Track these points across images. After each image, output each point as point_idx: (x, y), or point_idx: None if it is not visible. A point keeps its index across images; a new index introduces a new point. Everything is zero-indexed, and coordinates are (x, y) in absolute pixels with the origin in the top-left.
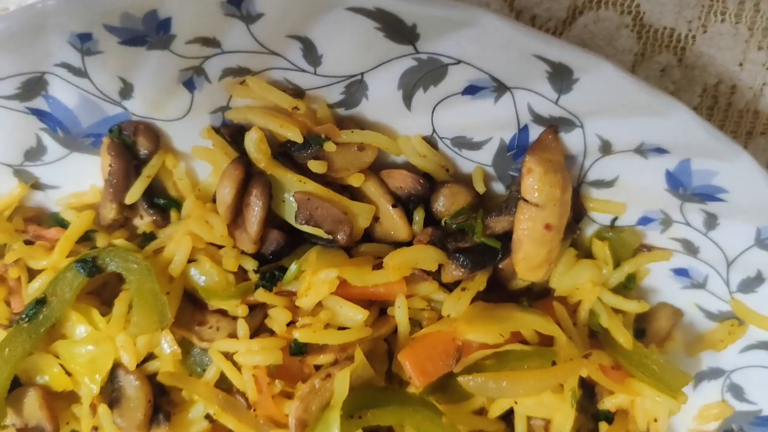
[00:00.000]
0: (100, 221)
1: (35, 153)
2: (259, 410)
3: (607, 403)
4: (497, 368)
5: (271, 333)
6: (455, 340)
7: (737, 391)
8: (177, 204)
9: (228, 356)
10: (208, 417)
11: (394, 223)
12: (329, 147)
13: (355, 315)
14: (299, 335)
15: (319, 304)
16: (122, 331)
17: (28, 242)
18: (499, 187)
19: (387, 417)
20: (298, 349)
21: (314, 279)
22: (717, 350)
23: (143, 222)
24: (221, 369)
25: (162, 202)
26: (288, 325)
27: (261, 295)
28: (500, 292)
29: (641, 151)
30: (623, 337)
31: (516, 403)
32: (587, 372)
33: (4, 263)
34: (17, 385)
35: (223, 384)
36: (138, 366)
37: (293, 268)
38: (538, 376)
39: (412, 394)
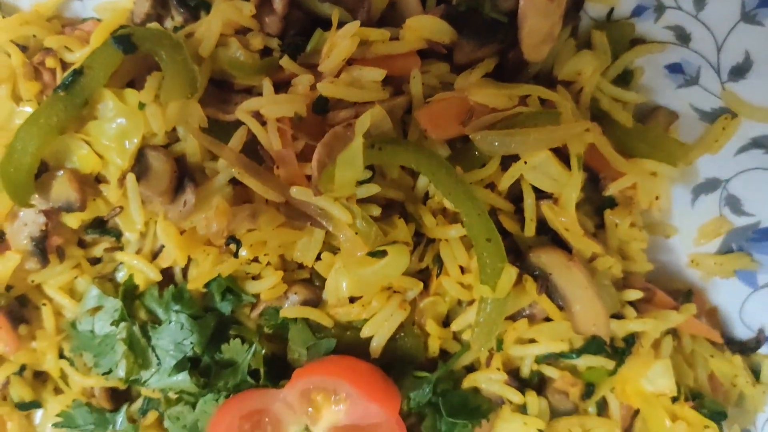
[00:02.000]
0: (134, 19)
1: None
2: (281, 168)
3: (611, 189)
4: (507, 128)
5: None
6: (467, 103)
7: (734, 204)
8: (207, 4)
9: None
10: (231, 181)
11: (407, 3)
12: None
13: (374, 75)
14: (322, 88)
15: (341, 71)
16: (153, 102)
17: None
18: None
19: (404, 155)
20: (321, 106)
21: (337, 37)
22: (713, 153)
23: (174, 22)
24: (246, 130)
25: (192, 3)
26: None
27: (285, 63)
28: None
29: None
30: (623, 116)
31: (523, 177)
32: (592, 138)
33: (41, 53)
34: (45, 170)
35: None
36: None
37: (316, 34)
38: (545, 131)
39: (428, 147)
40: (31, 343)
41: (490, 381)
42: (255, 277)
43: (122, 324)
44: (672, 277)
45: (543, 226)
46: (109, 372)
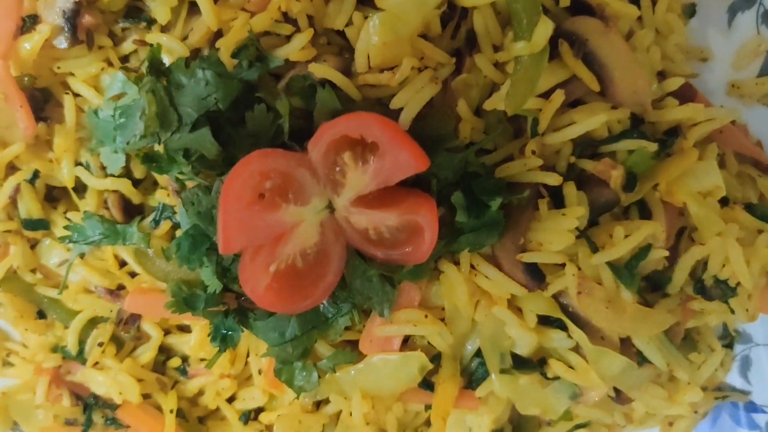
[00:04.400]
0: None
1: None
2: None
3: None
4: None
5: None
6: None
7: None
8: None
9: None
10: None
11: None
12: None
13: None
14: None
15: None
16: None
17: None
18: None
19: None
20: None
21: None
22: None
23: None
24: None
25: None
26: None
27: None
28: None
29: None
30: None
31: None
32: None
33: None
34: None
35: None
36: None
37: None
38: None
39: None
40: (47, 153)
41: (525, 168)
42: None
43: (145, 79)
44: None
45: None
46: (127, 145)
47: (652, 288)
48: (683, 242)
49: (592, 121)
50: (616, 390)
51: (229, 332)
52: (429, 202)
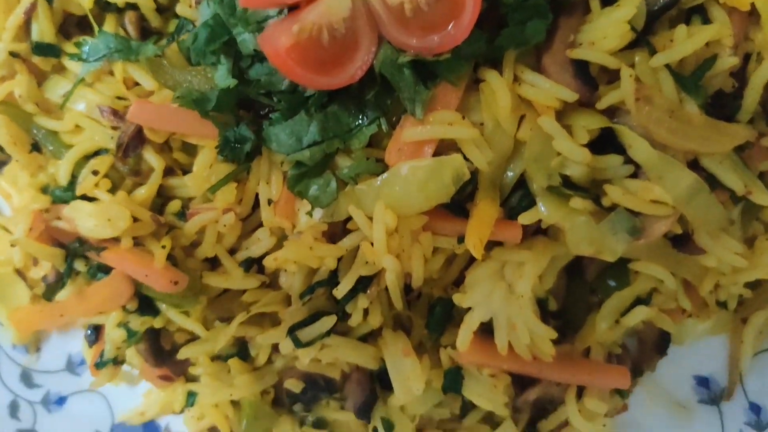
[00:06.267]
0: None
1: None
2: None
3: None
4: None
5: None
6: None
7: None
8: None
9: None
10: None
11: None
12: None
13: None
14: None
15: None
16: None
17: None
18: None
19: None
20: None
21: None
22: None
23: None
24: None
25: None
26: None
27: None
28: None
29: None
30: None
31: None
32: None
33: None
34: None
35: None
36: None
37: None
38: None
39: None
40: None
41: None
42: None
43: None
44: None
45: None
46: None
47: (718, 117)
48: (751, 64)
49: None
50: (684, 238)
51: (239, 144)
52: None
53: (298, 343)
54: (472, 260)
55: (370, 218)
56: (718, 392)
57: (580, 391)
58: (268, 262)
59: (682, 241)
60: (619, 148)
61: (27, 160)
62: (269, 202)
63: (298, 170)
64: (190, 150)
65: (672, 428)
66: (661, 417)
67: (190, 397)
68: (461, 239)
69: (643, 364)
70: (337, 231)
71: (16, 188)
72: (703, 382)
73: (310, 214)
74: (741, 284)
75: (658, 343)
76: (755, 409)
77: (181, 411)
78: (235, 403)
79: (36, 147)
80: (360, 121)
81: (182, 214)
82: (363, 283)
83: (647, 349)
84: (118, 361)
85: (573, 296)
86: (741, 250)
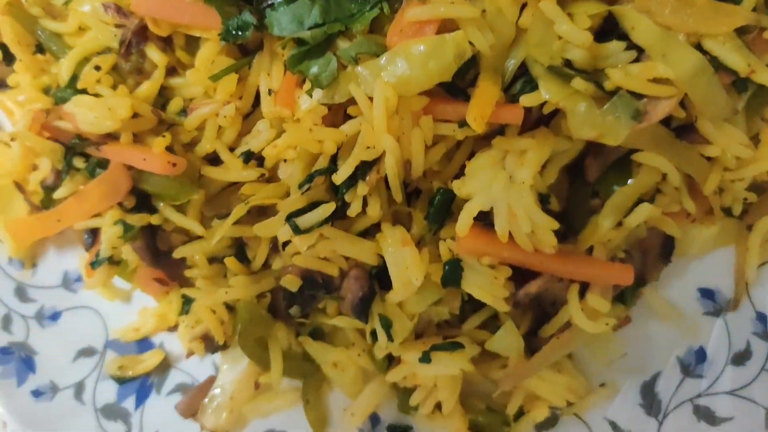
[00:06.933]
0: None
1: None
2: None
3: None
4: None
5: None
6: None
7: None
8: None
9: None
10: None
11: None
12: None
13: None
14: None
15: None
16: None
17: None
18: None
19: None
20: None
21: None
22: None
23: None
24: None
25: None
26: None
27: None
28: None
29: None
30: None
31: None
32: None
33: None
34: None
35: None
36: None
37: None
38: None
39: None
40: None
41: None
42: None
43: None
44: None
45: None
46: None
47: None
48: None
49: None
50: (687, 127)
51: (241, 31)
52: None
53: (297, 230)
54: (472, 155)
55: (371, 99)
56: (723, 304)
57: (583, 291)
58: (268, 151)
59: (685, 131)
60: (622, 38)
61: (30, 61)
62: (270, 92)
63: (298, 50)
64: (193, 48)
65: (677, 341)
66: (666, 331)
67: (186, 305)
68: (462, 123)
69: (647, 273)
70: (337, 120)
71: (18, 103)
72: (707, 294)
73: (310, 94)
74: (746, 181)
75: (663, 249)
76: (762, 318)
77: (176, 326)
78: (230, 309)
79: (40, 49)
80: (362, 6)
81: (183, 112)
82: (362, 170)
83: (651, 258)
84: (113, 261)
85: (575, 198)
86: (746, 140)
